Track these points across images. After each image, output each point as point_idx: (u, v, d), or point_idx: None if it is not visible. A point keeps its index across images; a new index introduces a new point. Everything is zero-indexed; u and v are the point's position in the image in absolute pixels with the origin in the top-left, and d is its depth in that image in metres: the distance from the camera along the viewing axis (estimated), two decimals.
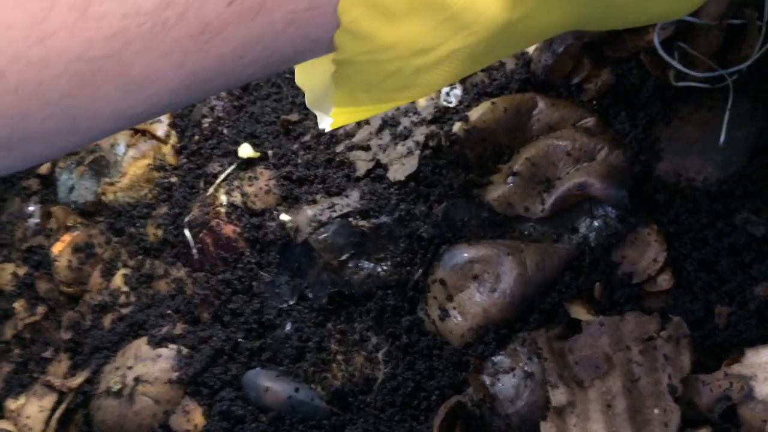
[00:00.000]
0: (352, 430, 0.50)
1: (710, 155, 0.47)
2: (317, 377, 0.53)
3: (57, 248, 0.65)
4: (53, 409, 0.59)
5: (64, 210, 0.67)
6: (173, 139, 0.66)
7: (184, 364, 0.55)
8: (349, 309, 0.54)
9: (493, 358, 0.47)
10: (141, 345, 0.57)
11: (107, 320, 0.62)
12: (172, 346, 0.56)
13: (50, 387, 0.60)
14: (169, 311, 0.59)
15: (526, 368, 0.45)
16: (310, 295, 0.55)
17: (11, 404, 0.60)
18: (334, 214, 0.54)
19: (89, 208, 0.66)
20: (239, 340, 0.56)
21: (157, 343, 0.57)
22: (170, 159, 0.65)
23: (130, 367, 0.56)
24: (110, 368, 0.58)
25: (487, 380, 0.46)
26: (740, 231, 0.45)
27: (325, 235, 0.54)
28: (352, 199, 0.55)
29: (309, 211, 0.55)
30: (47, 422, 0.58)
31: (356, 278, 0.53)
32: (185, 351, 0.56)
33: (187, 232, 0.60)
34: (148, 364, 0.56)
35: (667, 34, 0.48)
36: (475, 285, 0.49)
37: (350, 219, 0.54)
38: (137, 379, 0.55)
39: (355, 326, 0.53)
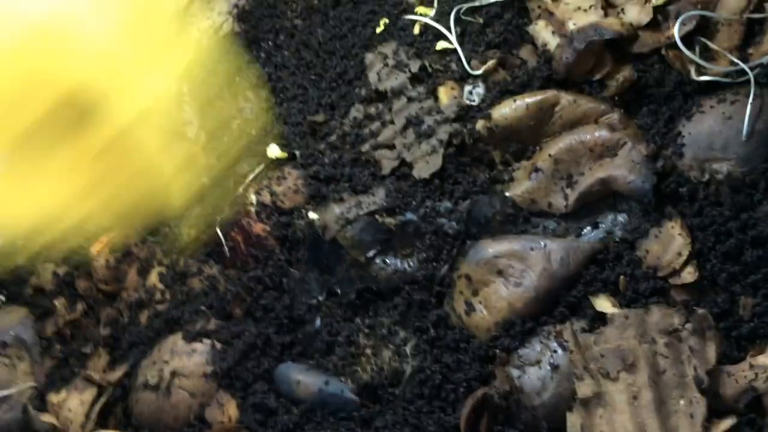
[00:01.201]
0: (382, 421, 0.50)
1: (733, 148, 0.46)
2: (347, 370, 0.53)
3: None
4: (93, 403, 0.60)
5: None
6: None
7: (218, 358, 0.56)
8: (377, 304, 0.54)
9: (519, 351, 0.47)
10: (177, 340, 0.58)
11: (143, 317, 0.62)
12: (206, 341, 0.57)
13: (90, 381, 0.60)
14: (202, 307, 0.60)
15: (552, 361, 0.45)
16: (339, 291, 0.55)
17: (53, 398, 0.61)
18: (361, 212, 0.54)
19: None
20: (271, 334, 0.56)
21: (192, 338, 0.57)
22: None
23: (166, 362, 0.57)
24: (147, 363, 0.58)
25: (514, 372, 0.46)
26: (764, 223, 0.44)
27: (352, 232, 0.54)
28: (378, 197, 0.55)
29: (336, 209, 0.55)
30: (88, 415, 0.59)
31: (383, 274, 0.53)
32: (219, 346, 0.57)
33: (218, 231, 0.60)
34: (184, 359, 0.57)
35: (688, 29, 0.48)
36: (501, 279, 0.48)
37: (377, 216, 0.54)
38: (174, 373, 0.56)
39: (383, 321, 0.53)
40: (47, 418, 0.58)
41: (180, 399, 0.55)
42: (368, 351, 0.53)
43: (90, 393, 0.60)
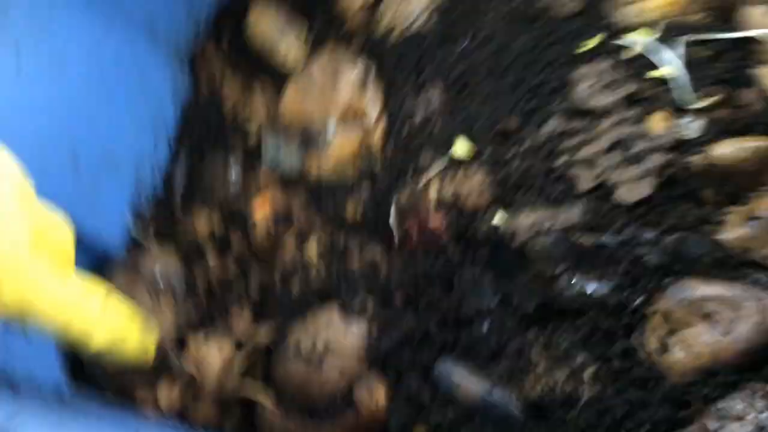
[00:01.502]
0: None
1: None
2: (512, 383, 0.51)
3: (257, 211, 0.66)
4: (233, 358, 0.59)
5: (268, 175, 0.67)
6: (383, 125, 0.66)
7: (374, 341, 0.55)
8: (556, 322, 0.52)
9: (718, 403, 0.44)
10: (333, 315, 0.57)
11: (295, 285, 0.62)
12: (363, 322, 0.56)
13: (233, 338, 0.60)
14: (360, 288, 0.59)
15: (757, 421, 0.42)
16: (515, 301, 0.53)
17: (193, 347, 0.61)
18: (556, 226, 0.52)
19: (292, 177, 0.66)
20: (431, 329, 0.55)
21: (350, 316, 0.56)
22: (377, 144, 0.65)
23: (320, 335, 0.56)
24: (299, 331, 0.57)
25: (711, 425, 0.43)
26: None
27: (543, 244, 0.52)
28: (574, 214, 0.53)
29: (529, 218, 0.53)
30: (226, 369, 0.58)
31: (568, 293, 0.51)
32: (375, 329, 0.56)
33: (392, 217, 0.59)
34: (339, 336, 0.56)
35: None
36: (706, 324, 0.46)
37: (570, 233, 0.52)
38: (327, 348, 0.55)
39: (561, 341, 0.51)
40: (186, 364, 0.58)
41: (330, 375, 0.54)
42: (540, 368, 0.51)
43: (230, 348, 0.59)
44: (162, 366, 0.58)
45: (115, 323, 0.47)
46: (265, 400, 0.56)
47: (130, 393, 0.58)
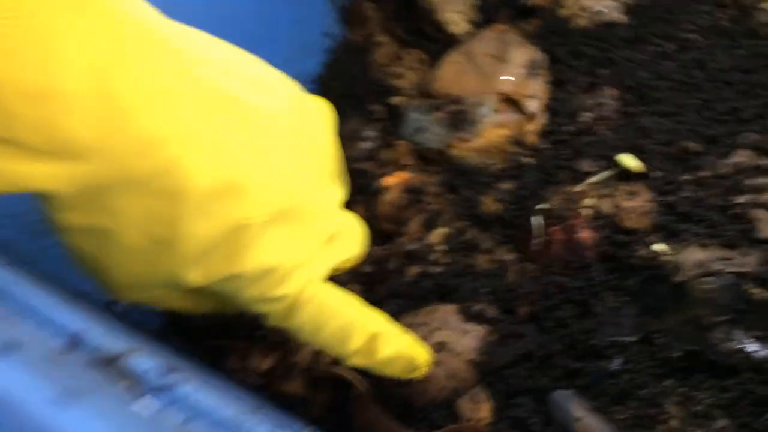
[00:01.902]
0: None
1: None
2: (637, 431, 0.46)
3: (389, 181, 0.62)
4: None
5: (407, 147, 0.63)
6: (542, 120, 0.60)
7: (491, 350, 0.50)
8: (702, 376, 0.46)
9: None
10: (451, 312, 0.53)
11: (412, 271, 0.58)
12: (483, 327, 0.51)
13: None
14: (484, 290, 0.54)
15: None
16: (659, 342, 0.47)
17: None
18: (728, 269, 0.46)
19: (432, 155, 0.62)
20: (555, 352, 0.50)
21: (470, 317, 0.52)
22: (532, 138, 0.60)
23: (435, 330, 0.52)
24: (411, 320, 0.53)
25: None
26: None
27: (710, 286, 0.46)
28: (751, 260, 0.47)
29: (699, 254, 0.47)
30: None
31: (724, 347, 0.45)
32: (493, 339, 0.51)
33: (535, 220, 0.54)
34: (455, 336, 0.51)
35: None
36: None
37: (743, 281, 0.46)
38: (440, 346, 0.51)
39: (703, 397, 0.45)
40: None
41: (437, 375, 0.50)
42: (672, 422, 0.45)
43: None
44: (257, 335, 0.56)
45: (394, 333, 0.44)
46: (360, 383, 0.52)
47: (219, 354, 0.56)
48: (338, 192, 0.43)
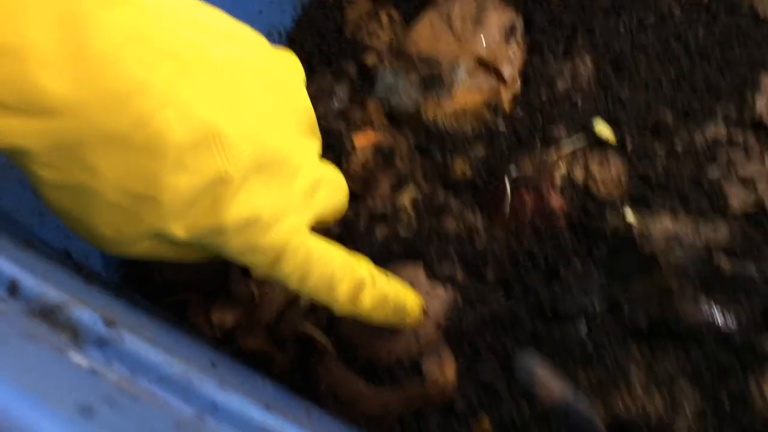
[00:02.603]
0: None
1: None
2: (601, 395, 0.46)
3: (360, 141, 0.61)
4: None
5: (379, 107, 0.62)
6: (516, 86, 0.60)
7: (457, 313, 0.50)
8: (668, 345, 0.47)
9: None
10: (419, 274, 0.52)
11: (381, 232, 0.57)
12: (450, 289, 0.51)
13: None
14: (452, 253, 0.54)
15: None
16: (627, 310, 0.48)
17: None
18: (698, 241, 0.47)
19: (404, 117, 0.62)
20: (522, 316, 0.50)
21: (439, 279, 0.52)
22: (506, 104, 0.60)
23: None
24: None
25: None
26: None
27: (679, 256, 0.47)
28: (720, 233, 0.47)
29: (669, 225, 0.48)
30: (290, 302, 0.54)
31: (690, 317, 0.46)
32: (461, 300, 0.51)
33: (507, 185, 0.54)
34: (422, 297, 0.51)
35: None
36: None
37: (713, 252, 0.47)
38: None
39: (667, 365, 0.46)
40: (248, 283, 0.54)
41: (404, 336, 0.50)
42: (636, 387, 0.46)
43: None
44: (222, 288, 0.55)
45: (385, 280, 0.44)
46: (326, 342, 0.51)
47: (181, 310, 0.55)
48: (316, 143, 0.42)
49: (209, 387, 0.27)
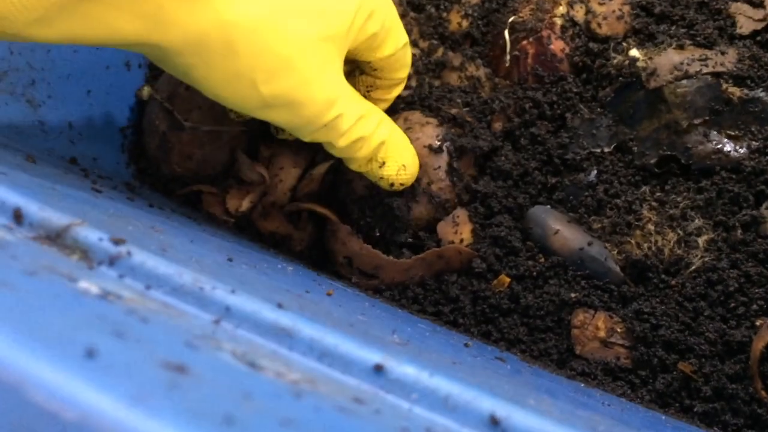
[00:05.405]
0: (647, 306, 0.46)
1: None
2: (615, 238, 0.48)
3: None
4: (306, 169, 0.56)
5: None
6: None
7: (451, 138, 0.51)
8: (678, 180, 0.47)
9: None
10: (430, 120, 0.52)
11: None
12: (447, 143, 0.51)
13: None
14: (458, 100, 0.53)
15: None
16: (636, 149, 0.48)
17: (264, 151, 0.57)
18: (705, 70, 0.46)
19: None
20: (531, 168, 0.51)
21: (437, 118, 0.51)
22: None
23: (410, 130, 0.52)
24: None
25: None
26: None
27: (686, 89, 0.46)
28: (728, 59, 0.46)
29: (675, 57, 0.47)
30: (300, 179, 0.56)
31: (700, 149, 0.46)
32: (469, 142, 0.51)
33: (506, 34, 0.53)
34: (415, 129, 0.51)
35: None
36: None
37: (721, 80, 0.46)
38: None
39: (679, 200, 0.47)
40: (258, 168, 0.55)
41: (417, 199, 0.51)
42: (649, 227, 0.47)
43: (304, 158, 0.56)
44: (232, 176, 0.56)
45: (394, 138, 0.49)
46: (334, 217, 0.53)
47: (195, 199, 0.56)
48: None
49: (221, 293, 0.28)
